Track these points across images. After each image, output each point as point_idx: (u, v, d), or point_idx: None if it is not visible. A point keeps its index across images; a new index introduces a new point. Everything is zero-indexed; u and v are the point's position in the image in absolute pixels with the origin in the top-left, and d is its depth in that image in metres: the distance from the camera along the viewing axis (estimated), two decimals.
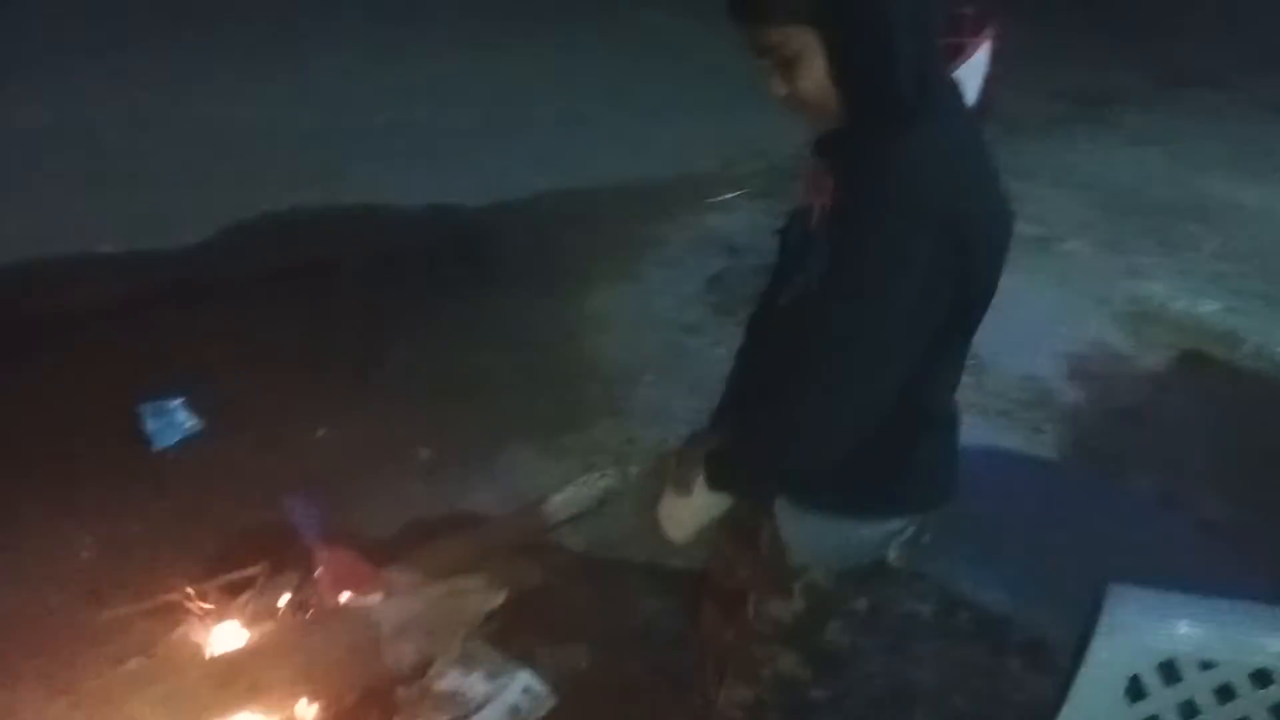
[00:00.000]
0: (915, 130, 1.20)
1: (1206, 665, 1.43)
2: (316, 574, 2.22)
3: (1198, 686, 1.39)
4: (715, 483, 1.39)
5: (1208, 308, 4.11)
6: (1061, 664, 2.41)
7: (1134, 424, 3.34)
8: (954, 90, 1.29)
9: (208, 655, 2.10)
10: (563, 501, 2.69)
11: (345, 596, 2.19)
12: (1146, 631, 1.48)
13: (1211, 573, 2.71)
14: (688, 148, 5.07)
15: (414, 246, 3.85)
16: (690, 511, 1.44)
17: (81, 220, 3.58)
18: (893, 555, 1.47)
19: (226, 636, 2.13)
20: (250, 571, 2.28)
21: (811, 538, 1.46)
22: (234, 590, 2.25)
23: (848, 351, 1.22)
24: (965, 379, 1.48)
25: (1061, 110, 6.29)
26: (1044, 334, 3.66)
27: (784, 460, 1.34)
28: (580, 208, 4.36)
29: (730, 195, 4.69)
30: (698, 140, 5.17)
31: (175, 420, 2.80)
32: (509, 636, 2.26)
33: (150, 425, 2.77)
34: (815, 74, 1.20)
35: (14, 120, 4.16)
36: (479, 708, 2.12)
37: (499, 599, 2.28)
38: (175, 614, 2.21)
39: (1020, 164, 4.91)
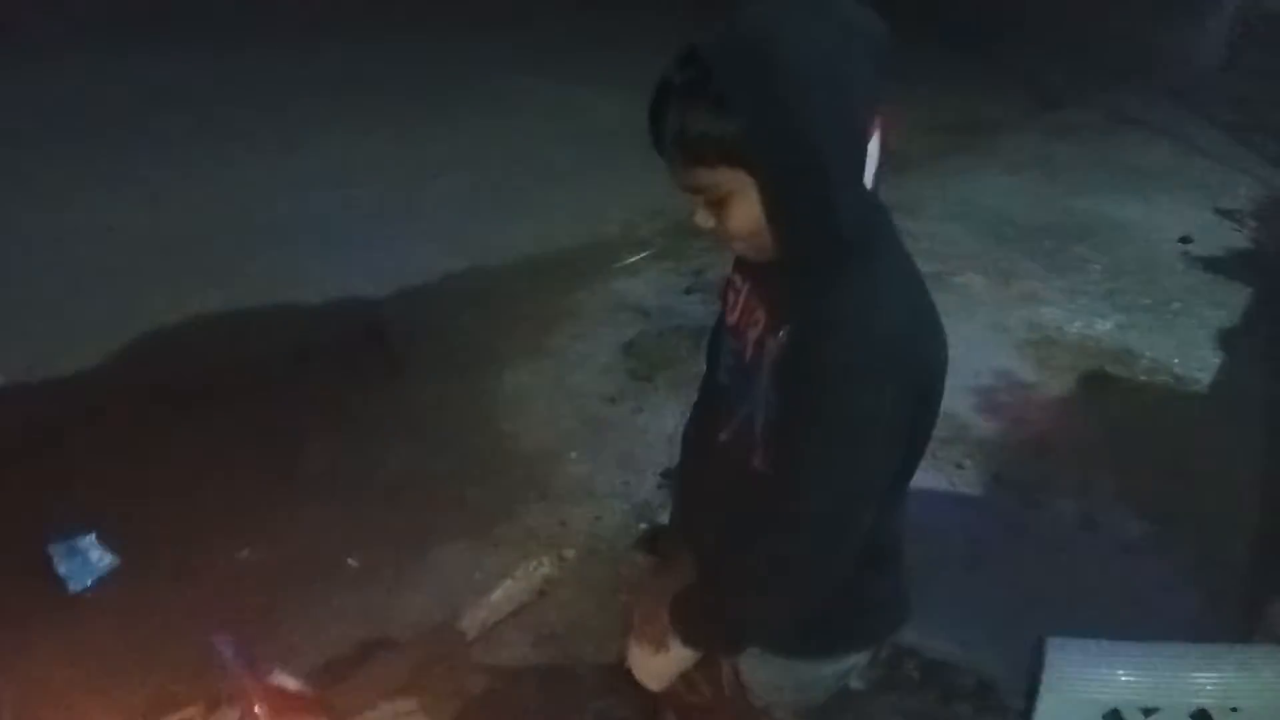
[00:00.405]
0: (863, 271, 1.17)
1: (1149, 711, 1.48)
2: (255, 710, 2.14)
3: None
4: (691, 643, 1.36)
5: (1102, 327, 4.30)
6: (1010, 704, 2.47)
7: (1047, 451, 3.45)
8: (882, 211, 1.24)
9: None
10: (501, 597, 2.65)
11: None
12: (1088, 684, 1.52)
13: (1138, 594, 2.80)
14: (588, 213, 5.12)
15: (322, 341, 3.78)
16: (667, 665, 1.41)
17: None
18: (854, 683, 1.49)
19: None
20: (184, 714, 2.19)
21: (774, 679, 1.47)
22: None
23: (824, 510, 1.20)
24: None
25: (939, 142, 6.53)
26: (953, 369, 3.74)
27: (763, 618, 1.33)
28: (488, 285, 4.35)
29: (635, 258, 4.74)
30: (597, 205, 5.22)
31: (89, 559, 2.67)
32: None
33: (63, 567, 2.64)
34: (748, 214, 1.15)
35: None
36: None
37: (447, 712, 2.23)
38: None
39: (906, 199, 5.09)
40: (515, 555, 2.85)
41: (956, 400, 3.62)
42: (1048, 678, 1.52)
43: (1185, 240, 5.25)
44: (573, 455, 3.32)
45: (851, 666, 1.47)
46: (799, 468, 1.19)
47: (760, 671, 1.46)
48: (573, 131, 6.13)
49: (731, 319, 1.36)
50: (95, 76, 6.04)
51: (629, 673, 1.47)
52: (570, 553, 2.88)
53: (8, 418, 3.15)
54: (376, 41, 7.44)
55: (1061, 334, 4.24)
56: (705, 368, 1.52)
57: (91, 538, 2.72)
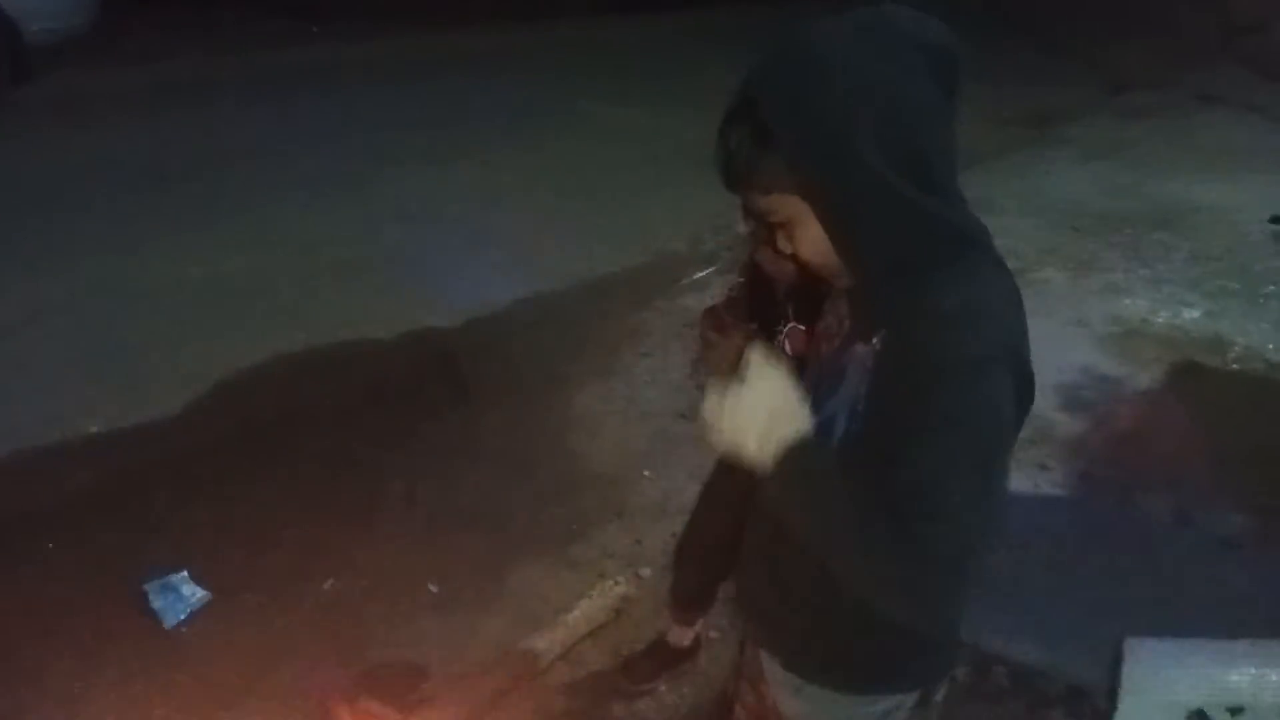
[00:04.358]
0: (961, 268, 1.12)
1: (1235, 710, 1.42)
2: None
3: None
4: (779, 463, 1.12)
5: (1190, 315, 4.15)
6: (1102, 707, 2.39)
7: (1137, 446, 3.34)
8: (977, 228, 1.18)
9: None
10: (579, 617, 2.66)
11: None
12: (1170, 684, 1.47)
13: (1237, 592, 2.68)
14: (653, 232, 5.14)
15: (395, 376, 3.86)
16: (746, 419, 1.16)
17: (65, 404, 3.58)
18: None
19: None
20: None
21: (810, 710, 1.40)
22: None
23: (952, 534, 1.07)
24: None
25: (1012, 135, 6.41)
26: (1035, 367, 3.67)
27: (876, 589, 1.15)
28: (555, 310, 4.39)
29: (703, 273, 4.74)
30: (661, 223, 5.23)
31: (182, 594, 2.77)
32: None
33: (158, 603, 2.74)
34: (813, 238, 1.13)
35: None
36: None
37: None
38: None
39: (977, 196, 4.91)
40: (592, 575, 2.86)
41: (1038, 399, 3.49)
42: (1128, 679, 1.48)
43: (1276, 221, 5.03)
44: (646, 474, 3.33)
45: (895, 707, 1.36)
46: (922, 483, 1.07)
47: (795, 702, 1.40)
48: (631, 152, 6.17)
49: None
50: (157, 129, 6.28)
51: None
52: (646, 571, 2.88)
53: (98, 464, 3.28)
54: (457, 77, 7.57)
55: (1147, 325, 4.10)
56: None
57: (184, 574, 2.82)
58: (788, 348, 1.78)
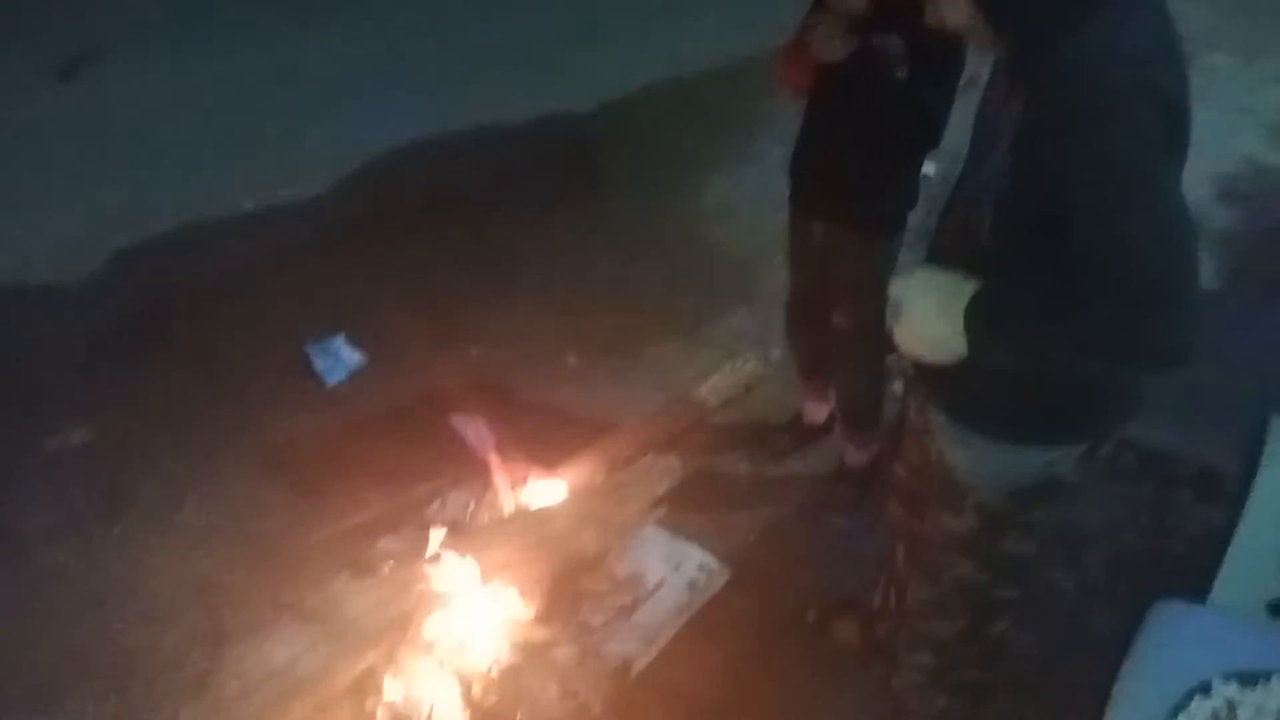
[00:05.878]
0: (1090, 17, 1.14)
1: None
2: (495, 480, 2.37)
3: None
4: (975, 332, 1.23)
5: None
6: (1231, 492, 2.40)
7: None
8: None
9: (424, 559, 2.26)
10: (711, 389, 2.77)
11: (523, 499, 2.34)
12: None
13: None
14: (788, 13, 4.91)
15: (532, 161, 3.92)
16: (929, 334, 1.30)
17: (221, 182, 3.77)
18: (1065, 472, 1.42)
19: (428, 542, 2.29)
20: (435, 485, 2.45)
21: (974, 461, 1.45)
22: (423, 503, 2.43)
23: (1135, 259, 1.11)
24: None
25: None
26: (1192, 156, 3.48)
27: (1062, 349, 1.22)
28: (689, 96, 4.32)
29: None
30: (797, 3, 5.00)
31: (341, 357, 2.98)
32: (678, 518, 2.37)
33: (320, 364, 2.97)
34: (960, 9, 1.22)
35: (128, 94, 4.38)
36: (658, 587, 2.25)
37: (664, 485, 2.39)
38: (374, 531, 2.39)
39: None
40: (722, 354, 2.95)
41: (1194, 189, 3.33)
42: (1271, 452, 1.48)
43: None
44: (778, 260, 3.31)
45: (1059, 458, 1.40)
46: (1093, 238, 1.12)
47: (962, 451, 1.46)
48: None
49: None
50: None
51: None
52: (775, 352, 2.95)
53: (257, 239, 3.47)
54: None
55: None
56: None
57: (341, 339, 3.03)
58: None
